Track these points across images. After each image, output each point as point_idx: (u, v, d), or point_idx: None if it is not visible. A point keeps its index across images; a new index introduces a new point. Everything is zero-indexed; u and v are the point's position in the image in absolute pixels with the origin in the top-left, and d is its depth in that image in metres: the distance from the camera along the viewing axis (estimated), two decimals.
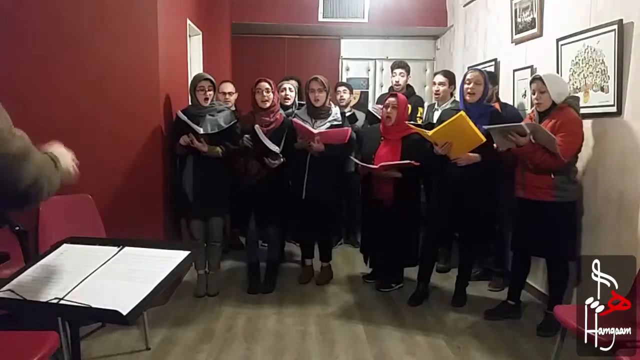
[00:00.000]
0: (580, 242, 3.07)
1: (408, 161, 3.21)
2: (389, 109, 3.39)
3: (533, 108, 3.06)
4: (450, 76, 4.02)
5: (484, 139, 2.94)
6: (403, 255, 3.56)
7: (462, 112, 2.97)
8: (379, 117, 3.67)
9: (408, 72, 4.34)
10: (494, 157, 3.01)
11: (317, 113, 3.59)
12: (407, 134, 3.36)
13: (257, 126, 3.38)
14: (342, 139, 3.45)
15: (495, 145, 2.93)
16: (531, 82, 2.90)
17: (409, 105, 4.21)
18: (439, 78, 3.99)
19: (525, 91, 3.80)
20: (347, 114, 4.19)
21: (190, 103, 3.64)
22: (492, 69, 4.27)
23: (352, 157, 3.36)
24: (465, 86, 3.15)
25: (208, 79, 3.42)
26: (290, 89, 4.05)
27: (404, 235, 3.47)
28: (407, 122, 3.46)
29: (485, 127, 2.91)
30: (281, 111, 3.78)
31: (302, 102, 4.03)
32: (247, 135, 3.44)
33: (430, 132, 3.08)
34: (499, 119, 3.15)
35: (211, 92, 3.42)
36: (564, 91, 2.84)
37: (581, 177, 3.08)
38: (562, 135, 2.74)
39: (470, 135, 2.95)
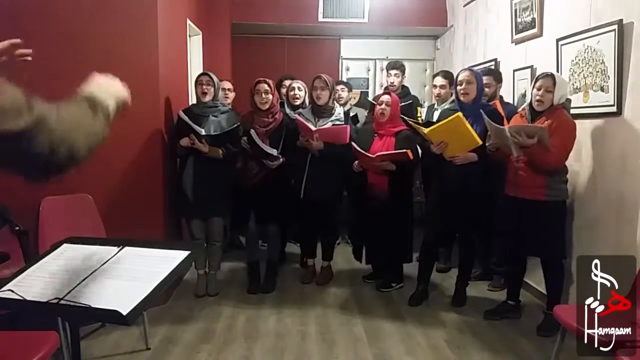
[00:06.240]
0: (572, 241, 3.08)
1: (403, 150, 3.25)
2: (382, 106, 3.44)
3: (524, 105, 3.06)
4: (450, 77, 3.99)
5: (480, 142, 2.95)
6: (397, 251, 3.58)
7: (459, 114, 2.97)
8: None
9: (403, 72, 4.31)
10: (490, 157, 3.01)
11: (320, 111, 3.61)
12: (399, 129, 3.44)
13: (252, 131, 3.38)
14: (342, 137, 3.45)
15: (489, 142, 2.91)
16: (539, 78, 2.85)
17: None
18: (439, 80, 3.95)
19: (525, 91, 3.79)
20: (351, 114, 4.19)
21: (194, 101, 3.64)
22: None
23: (352, 143, 3.36)
24: (458, 87, 3.16)
25: (207, 74, 3.43)
26: (299, 88, 3.99)
27: (398, 231, 3.49)
28: (408, 119, 3.50)
29: (486, 119, 2.86)
30: (289, 110, 3.77)
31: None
32: (244, 138, 3.44)
33: (426, 130, 3.09)
34: (496, 118, 3.15)
35: (210, 87, 3.41)
36: (565, 94, 2.85)
37: (580, 177, 3.08)
38: (557, 138, 2.74)
39: (467, 137, 2.95)
